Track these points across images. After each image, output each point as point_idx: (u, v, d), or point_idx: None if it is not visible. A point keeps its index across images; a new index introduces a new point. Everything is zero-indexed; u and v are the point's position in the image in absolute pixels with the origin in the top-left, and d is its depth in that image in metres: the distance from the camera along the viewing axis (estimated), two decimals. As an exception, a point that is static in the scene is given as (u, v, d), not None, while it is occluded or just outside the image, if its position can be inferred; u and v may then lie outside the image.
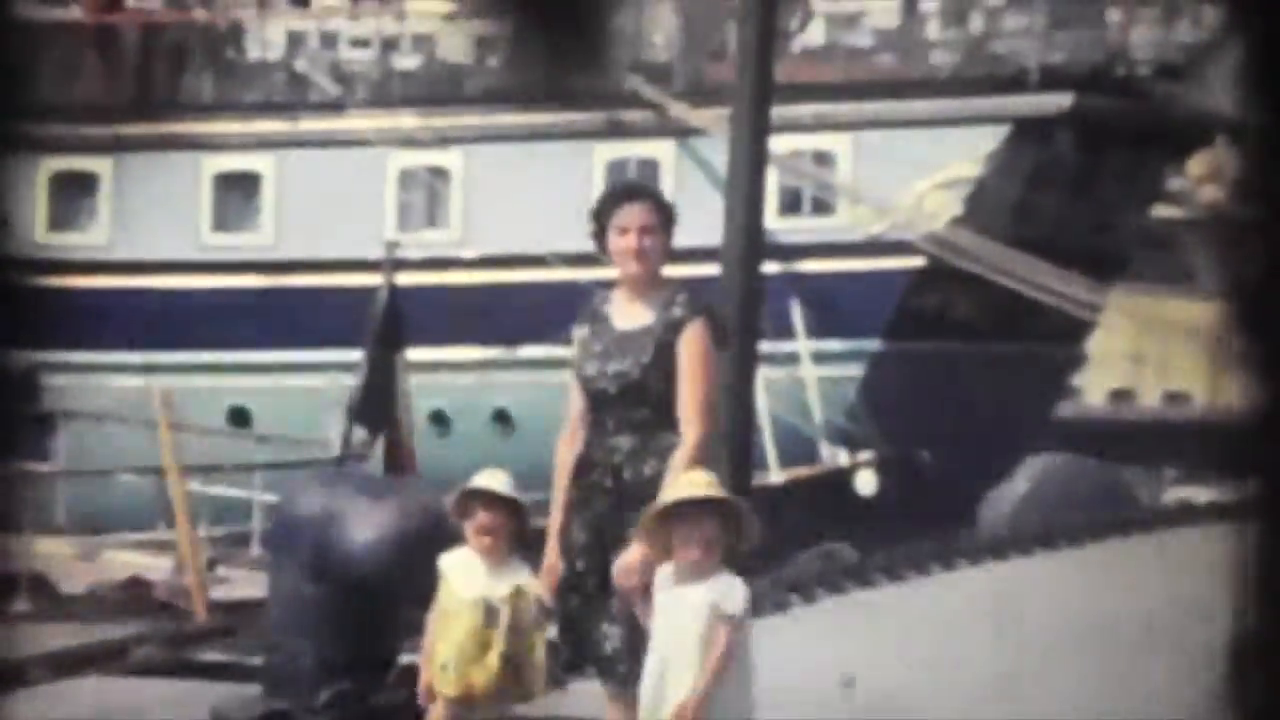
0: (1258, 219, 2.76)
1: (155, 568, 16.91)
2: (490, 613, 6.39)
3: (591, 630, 6.03)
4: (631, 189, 6.78)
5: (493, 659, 6.38)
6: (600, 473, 6.04)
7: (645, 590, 5.87)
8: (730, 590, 5.75)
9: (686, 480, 5.85)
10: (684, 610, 5.75)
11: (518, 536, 6.34)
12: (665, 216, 6.17)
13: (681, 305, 6.07)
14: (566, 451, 6.15)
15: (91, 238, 26.67)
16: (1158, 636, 10.82)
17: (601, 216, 6.16)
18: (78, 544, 17.87)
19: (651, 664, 5.79)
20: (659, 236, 6.10)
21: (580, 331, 6.17)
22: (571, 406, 6.19)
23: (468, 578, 6.47)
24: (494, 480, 6.49)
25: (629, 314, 6.12)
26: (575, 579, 6.08)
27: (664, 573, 5.83)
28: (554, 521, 6.12)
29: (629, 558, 5.88)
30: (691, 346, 6.00)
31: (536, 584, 6.22)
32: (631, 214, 6.10)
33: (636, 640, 5.91)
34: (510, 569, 6.37)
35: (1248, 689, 2.82)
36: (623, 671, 5.97)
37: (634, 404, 6.01)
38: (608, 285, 6.25)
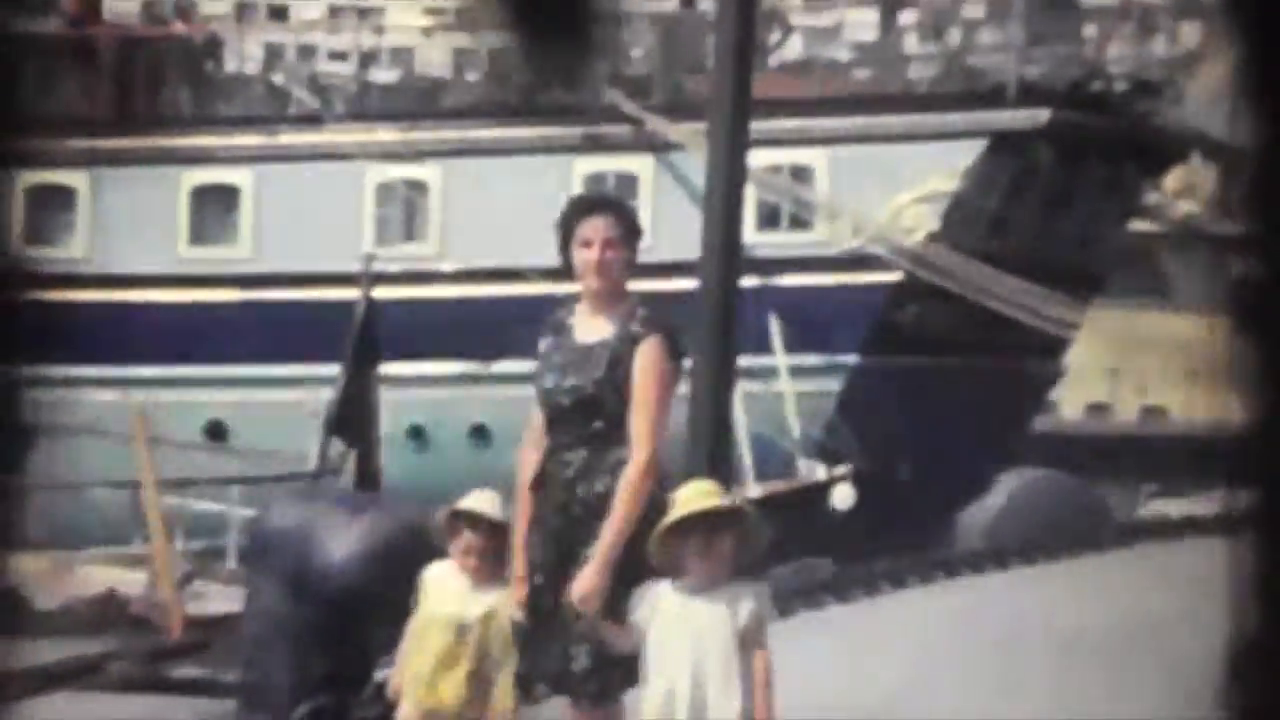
0: (1254, 231, 2.76)
1: (131, 583, 16.86)
2: (461, 631, 6.40)
3: (555, 648, 5.97)
4: (596, 201, 6.67)
5: (460, 676, 6.39)
6: (554, 488, 6.00)
7: (607, 612, 5.82)
8: (759, 597, 5.74)
9: (695, 491, 5.80)
10: (704, 623, 5.70)
11: (503, 557, 6.32)
12: (630, 229, 6.09)
13: (640, 321, 5.99)
14: (526, 460, 6.09)
15: (69, 251, 26.61)
16: (1135, 649, 10.83)
17: (566, 228, 6.07)
18: (52, 559, 17.80)
19: (674, 680, 5.72)
20: (622, 250, 6.02)
21: (543, 343, 6.11)
22: (534, 416, 6.13)
23: (446, 594, 6.47)
24: (484, 502, 6.44)
25: (590, 327, 6.05)
26: (533, 594, 6.02)
27: (663, 590, 5.77)
28: (518, 534, 6.08)
29: (587, 585, 5.81)
30: (646, 363, 5.92)
31: (509, 604, 6.20)
32: (595, 226, 6.02)
33: (605, 658, 5.87)
34: (489, 590, 6.36)
35: (1241, 701, 2.82)
36: (593, 690, 5.92)
37: (587, 418, 5.96)
38: (574, 297, 6.20)
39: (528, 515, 6.04)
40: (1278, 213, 2.74)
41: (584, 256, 6.01)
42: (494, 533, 6.36)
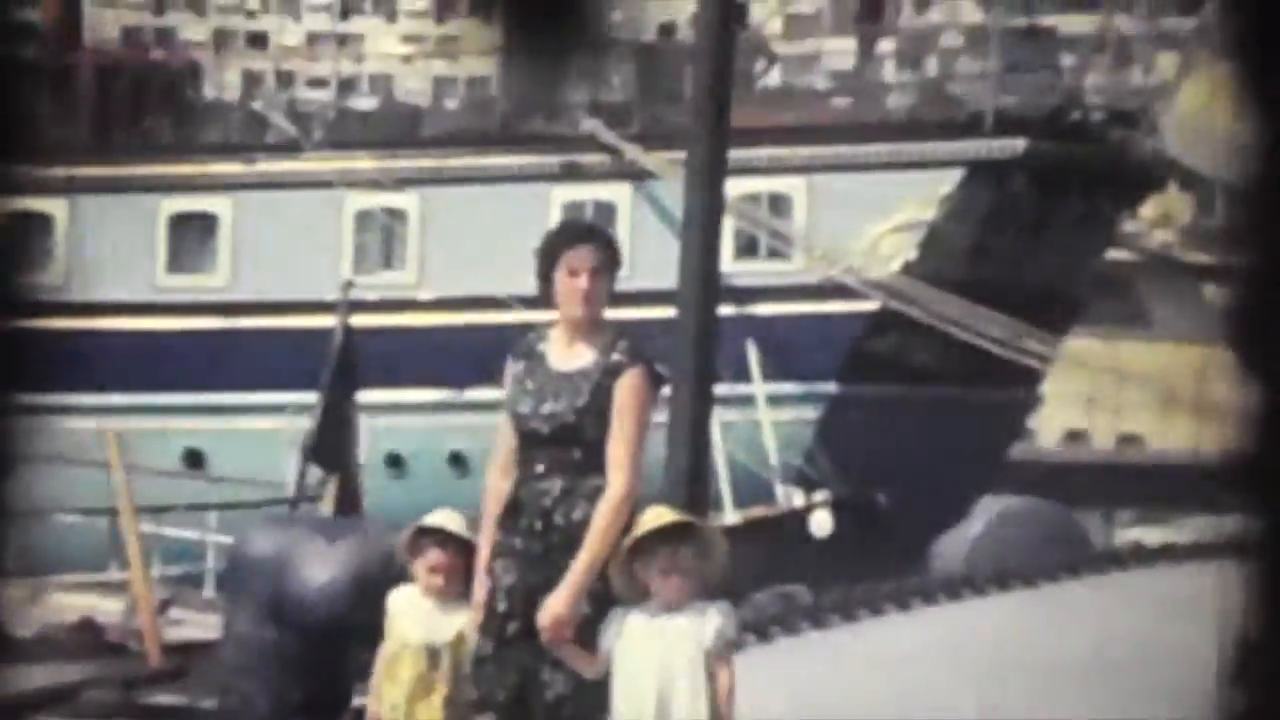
0: (1246, 260, 2.79)
1: (107, 610, 16.81)
2: (434, 656, 6.39)
3: (526, 676, 5.97)
4: (583, 230, 6.67)
5: (436, 702, 6.38)
6: (529, 516, 6.00)
7: (579, 640, 5.84)
8: (725, 615, 5.79)
9: (653, 515, 5.86)
10: (670, 642, 5.75)
11: (468, 577, 6.33)
12: (613, 258, 6.10)
13: (622, 351, 5.99)
14: (494, 484, 6.07)
15: (47, 279, 26.57)
16: (1114, 675, 10.85)
17: (550, 255, 6.06)
18: (27, 586, 17.73)
19: (639, 702, 5.75)
20: (605, 279, 6.03)
21: (514, 368, 6.08)
22: (501, 441, 6.11)
23: (414, 620, 6.46)
24: (448, 520, 6.48)
25: (567, 355, 6.05)
26: (497, 620, 6.02)
27: (629, 615, 5.81)
28: (483, 555, 6.08)
29: (557, 610, 5.81)
30: (628, 394, 5.93)
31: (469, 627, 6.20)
32: (583, 255, 6.01)
33: (581, 685, 5.87)
34: (456, 611, 6.36)
35: (1238, 707, 2.84)
36: (569, 715, 5.93)
37: (566, 446, 5.95)
38: (547, 324, 6.21)
39: (492, 540, 6.05)
40: (1270, 242, 2.76)
41: (571, 285, 6.00)
42: (460, 551, 6.38)
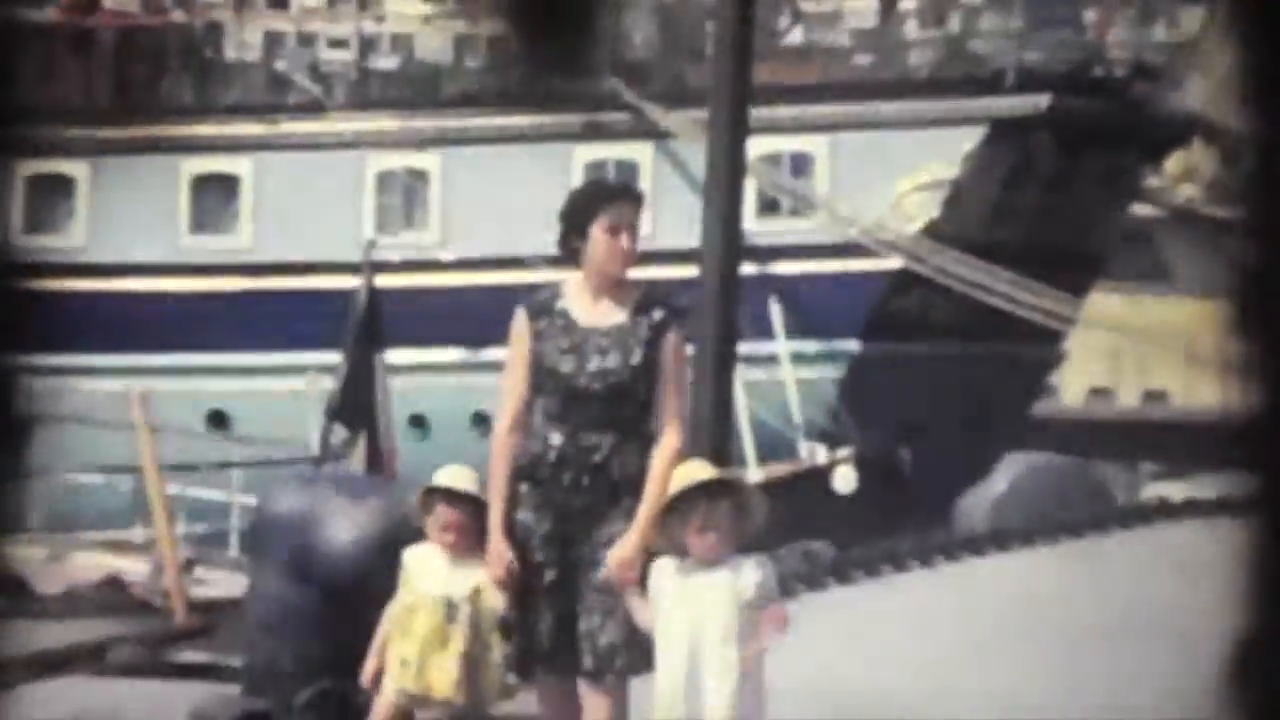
0: (1254, 219, 2.78)
1: (132, 569, 16.88)
2: (451, 610, 6.41)
3: (573, 626, 6.01)
4: (621, 187, 6.68)
5: (452, 657, 6.39)
6: (574, 470, 6.02)
7: (639, 584, 5.89)
8: (763, 568, 5.83)
9: (688, 471, 5.88)
10: (707, 598, 5.77)
11: (480, 534, 6.33)
12: (640, 215, 6.19)
13: (661, 307, 6.07)
14: (508, 441, 6.09)
15: (68, 240, 26.62)
16: (1138, 631, 10.86)
17: (587, 213, 6.07)
18: (51, 545, 17.83)
19: (673, 658, 5.77)
20: (636, 237, 6.10)
21: (535, 325, 6.08)
22: (512, 398, 6.11)
23: (430, 574, 6.48)
24: (457, 477, 6.49)
25: (596, 311, 6.07)
26: (535, 570, 6.03)
27: (667, 566, 5.84)
28: (497, 510, 6.08)
29: (624, 554, 5.88)
30: (676, 351, 6.04)
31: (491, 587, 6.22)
32: (623, 212, 6.06)
33: (632, 634, 5.90)
34: (472, 567, 6.36)
35: (1250, 686, 2.83)
36: (621, 665, 5.96)
37: (616, 402, 5.99)
38: (558, 282, 6.22)
39: (505, 495, 6.06)
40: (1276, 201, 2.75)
41: (611, 242, 6.03)
42: (469, 507, 6.39)
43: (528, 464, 6.05)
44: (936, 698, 9.18)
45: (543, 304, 6.13)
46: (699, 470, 5.92)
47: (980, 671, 9.76)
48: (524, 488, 6.05)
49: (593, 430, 6.00)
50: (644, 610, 5.87)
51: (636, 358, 6.00)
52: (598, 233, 6.04)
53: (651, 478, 5.92)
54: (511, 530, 6.06)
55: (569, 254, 6.13)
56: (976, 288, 23.69)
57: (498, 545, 6.05)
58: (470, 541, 6.38)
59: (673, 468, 5.92)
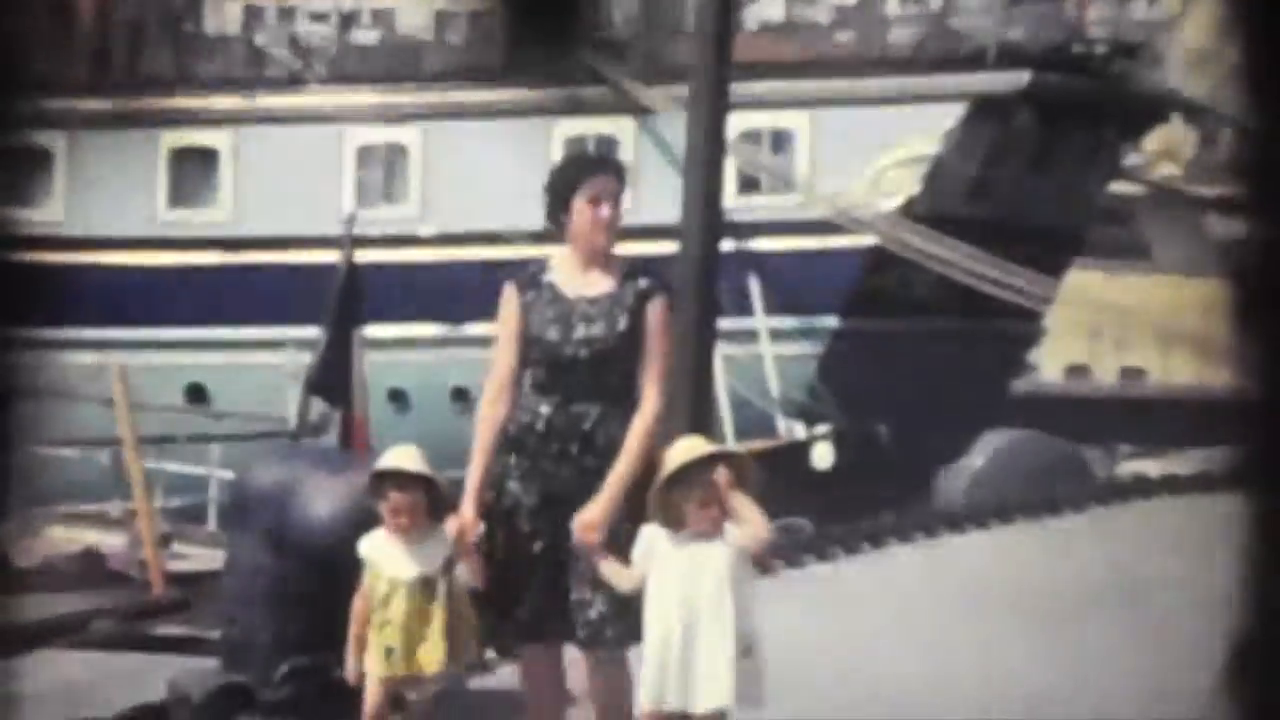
0: (1256, 203, 2.77)
1: (109, 542, 16.86)
2: (428, 586, 6.35)
3: (561, 596, 6.01)
4: (600, 159, 6.79)
5: (437, 633, 6.35)
6: (562, 439, 6.03)
7: (605, 548, 5.90)
8: (743, 517, 5.90)
9: (685, 447, 5.91)
10: (704, 569, 5.81)
11: (436, 509, 6.29)
12: (623, 186, 6.22)
13: (646, 277, 6.13)
14: (493, 411, 6.11)
15: (46, 214, 26.52)
16: (1115, 606, 10.89)
17: (569, 186, 6.13)
18: (25, 518, 17.78)
19: (667, 629, 5.78)
20: (619, 208, 6.14)
21: (523, 298, 6.14)
22: (500, 368, 6.15)
23: (396, 559, 6.38)
24: (404, 458, 6.38)
25: (581, 282, 6.12)
26: (524, 540, 6.05)
27: (659, 535, 5.85)
28: (474, 479, 6.08)
29: (593, 514, 5.90)
30: (660, 318, 6.08)
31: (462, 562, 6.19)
32: (604, 184, 6.12)
33: (620, 604, 5.92)
34: (434, 541, 6.32)
35: (1245, 696, 2.83)
36: (611, 636, 5.98)
37: (604, 370, 6.04)
38: (544, 256, 6.27)
39: (485, 466, 6.07)
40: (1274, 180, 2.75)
41: (593, 215, 6.09)
42: (419, 487, 6.31)
43: (516, 434, 6.07)
44: (915, 673, 9.19)
45: (531, 277, 6.19)
46: (699, 445, 5.95)
47: (959, 646, 9.78)
48: (512, 458, 6.07)
49: (580, 400, 6.03)
50: (622, 575, 5.88)
51: (622, 324, 6.05)
52: (580, 204, 6.10)
53: (626, 444, 5.95)
54: (495, 501, 6.08)
55: (555, 227, 6.16)
56: (952, 267, 23.71)
57: (468, 514, 6.06)
58: (421, 520, 6.31)
59: (651, 433, 5.96)
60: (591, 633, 5.99)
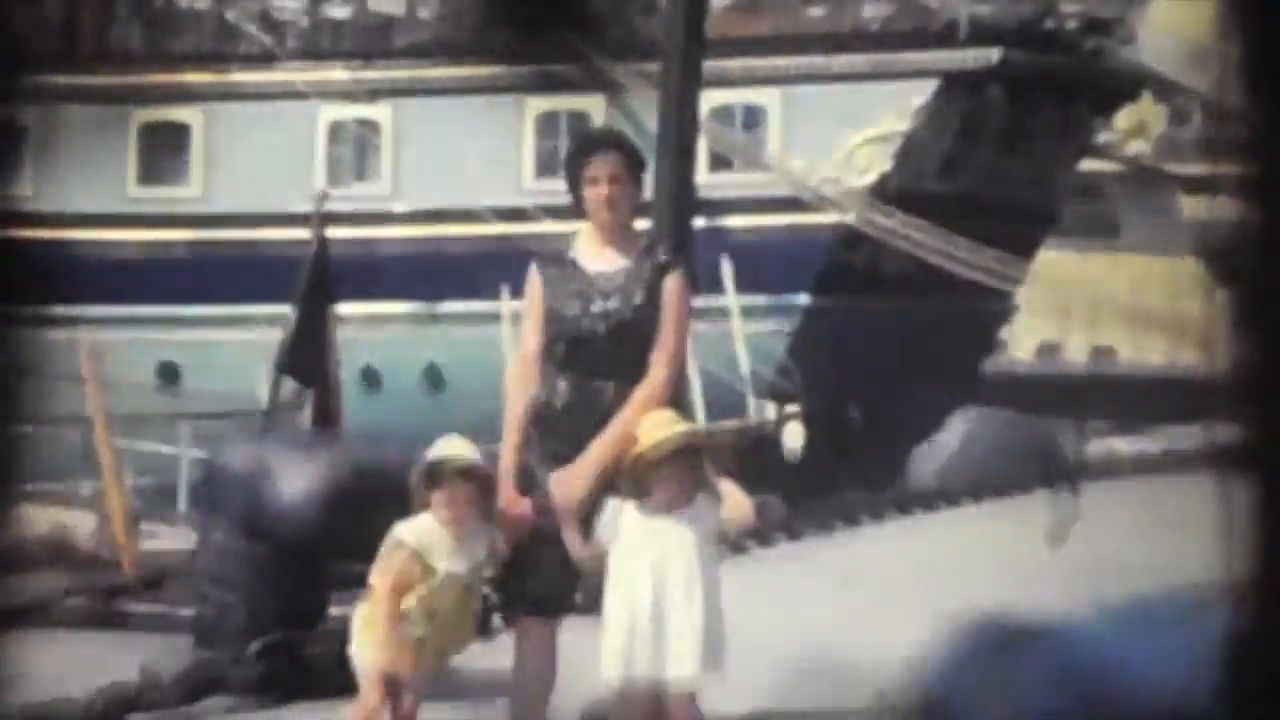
0: (1249, 194, 2.77)
1: (80, 522, 16.80)
2: (473, 580, 6.27)
3: (575, 572, 6.06)
4: (597, 139, 6.87)
5: (468, 627, 6.30)
6: (581, 417, 6.04)
7: (575, 512, 5.92)
8: (728, 498, 5.92)
9: (656, 421, 5.90)
10: (672, 540, 5.81)
11: (483, 502, 6.22)
12: (634, 164, 6.26)
13: (665, 251, 6.23)
14: (520, 388, 6.12)
15: (15, 189, 26.37)
16: (1085, 585, 10.92)
17: (574, 166, 6.26)
18: None
19: (636, 596, 5.77)
20: (628, 185, 6.19)
21: (545, 274, 6.21)
22: (528, 346, 6.19)
23: (448, 551, 6.22)
24: (465, 448, 6.24)
25: (601, 258, 6.20)
26: (545, 524, 6.11)
27: (627, 507, 5.86)
28: (508, 456, 6.10)
29: (570, 478, 5.91)
30: (677, 292, 6.12)
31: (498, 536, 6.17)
32: (600, 164, 6.19)
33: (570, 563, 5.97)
34: (484, 534, 6.22)
35: (1239, 695, 2.83)
36: (571, 598, 6.07)
37: (621, 344, 6.07)
38: (570, 233, 6.33)
39: (517, 445, 6.09)
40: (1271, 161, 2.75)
41: (592, 194, 6.17)
42: (480, 480, 6.19)
43: (534, 411, 6.10)
44: (885, 650, 9.21)
45: (554, 255, 6.27)
46: (670, 423, 5.94)
47: (932, 626, 9.79)
48: (530, 435, 6.11)
49: (598, 376, 6.06)
50: (583, 547, 5.88)
51: (639, 298, 6.10)
52: (584, 184, 6.21)
53: (625, 411, 5.96)
54: (530, 480, 6.11)
55: (577, 204, 6.27)
56: (922, 247, 23.74)
57: (511, 492, 6.07)
58: (475, 512, 6.19)
59: (651, 403, 5.96)
60: (560, 599, 6.12)
